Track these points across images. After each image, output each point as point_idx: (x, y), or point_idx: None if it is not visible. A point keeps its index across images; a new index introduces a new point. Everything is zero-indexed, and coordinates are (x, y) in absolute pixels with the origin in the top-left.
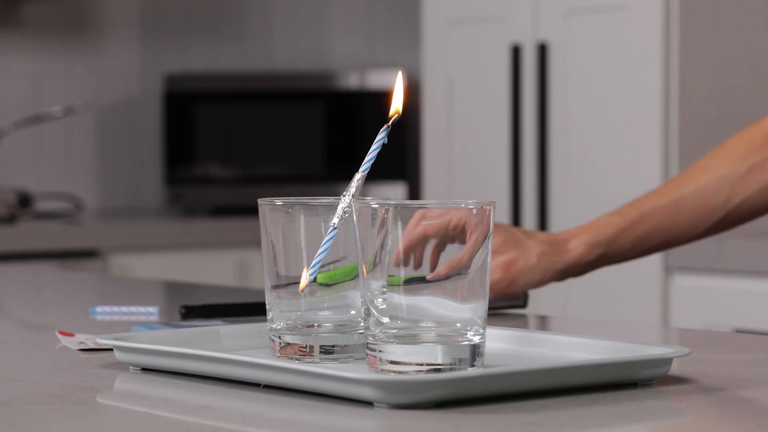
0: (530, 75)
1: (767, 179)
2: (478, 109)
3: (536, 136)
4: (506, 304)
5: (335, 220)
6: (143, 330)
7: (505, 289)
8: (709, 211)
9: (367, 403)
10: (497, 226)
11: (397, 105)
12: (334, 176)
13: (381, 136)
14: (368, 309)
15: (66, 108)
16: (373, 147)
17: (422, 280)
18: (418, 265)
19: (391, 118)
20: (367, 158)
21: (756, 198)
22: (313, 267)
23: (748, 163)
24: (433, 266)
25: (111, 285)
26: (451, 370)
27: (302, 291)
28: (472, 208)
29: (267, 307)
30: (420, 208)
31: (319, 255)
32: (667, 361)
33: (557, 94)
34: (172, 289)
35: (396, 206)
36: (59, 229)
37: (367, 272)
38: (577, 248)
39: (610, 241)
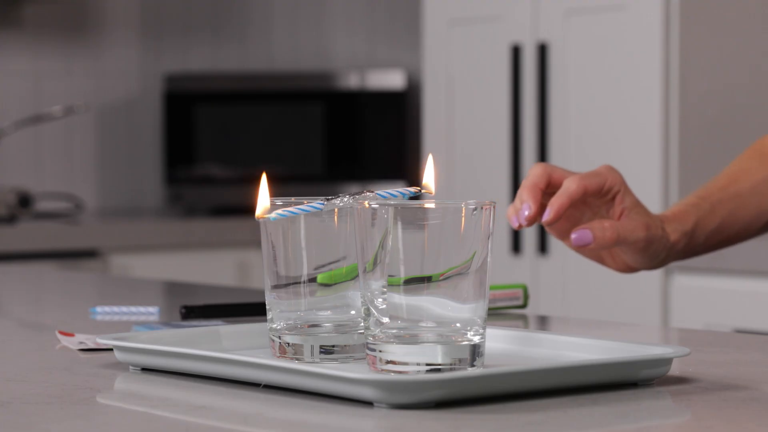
0: (530, 75)
1: None
2: (478, 109)
3: (536, 136)
4: (506, 304)
5: (325, 201)
6: (143, 330)
7: (642, 249)
8: (763, 211)
9: (367, 403)
10: (625, 186)
11: (428, 182)
12: (334, 176)
13: (410, 191)
14: (368, 309)
15: (66, 108)
16: (398, 189)
17: (422, 280)
18: (565, 229)
19: (422, 188)
20: (387, 190)
21: None
22: (282, 213)
23: None
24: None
25: (111, 285)
26: (451, 370)
27: (258, 218)
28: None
29: (267, 307)
30: (420, 207)
31: (293, 209)
32: (667, 361)
33: (557, 94)
34: (172, 289)
35: (396, 206)
36: (59, 229)
37: (367, 272)
38: (673, 233)
39: (692, 233)
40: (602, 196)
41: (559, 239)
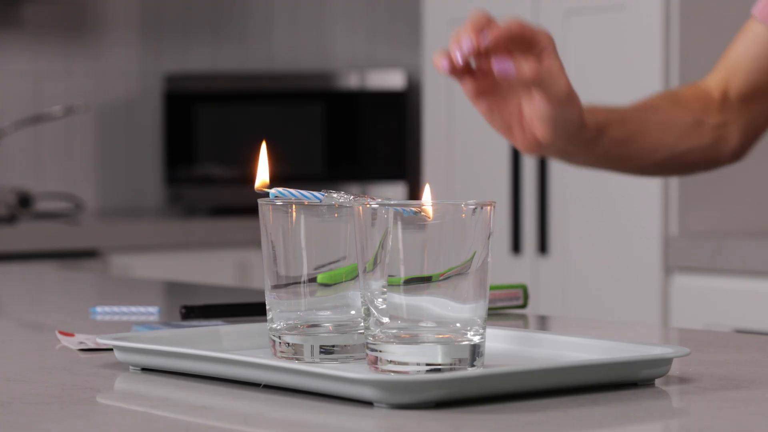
0: None
1: (703, 141)
2: None
3: None
4: (506, 304)
5: (325, 193)
6: (143, 330)
7: (561, 105)
8: (665, 145)
9: (367, 403)
10: (555, 49)
11: (426, 207)
12: (334, 176)
13: (407, 209)
14: (368, 309)
15: (66, 108)
16: (400, 201)
17: (422, 280)
18: (489, 89)
19: (421, 210)
20: (386, 198)
21: (695, 154)
22: (281, 191)
23: (693, 118)
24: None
25: (111, 285)
26: (451, 370)
27: (257, 189)
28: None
29: (267, 307)
30: (420, 207)
31: (292, 190)
32: (667, 361)
33: None
34: (172, 289)
35: (396, 206)
36: (59, 229)
37: (367, 272)
38: (587, 117)
39: (601, 128)
40: (532, 45)
41: (486, 115)
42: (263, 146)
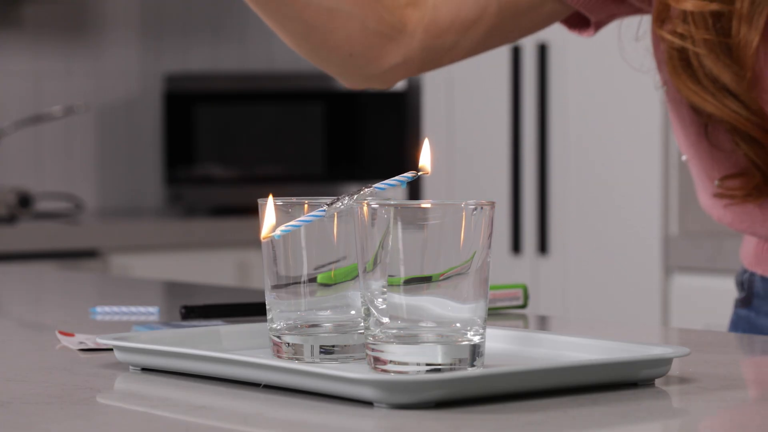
0: (530, 75)
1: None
2: (478, 109)
3: (536, 136)
4: (506, 304)
5: (326, 207)
6: (143, 330)
7: None
8: None
9: (367, 403)
10: None
11: (424, 163)
12: (334, 176)
13: (407, 176)
14: (368, 309)
15: (66, 108)
16: (395, 177)
17: (422, 280)
18: None
19: (420, 171)
20: (384, 181)
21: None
22: (285, 228)
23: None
24: None
25: (111, 285)
26: (451, 370)
27: (263, 239)
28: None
29: (267, 307)
30: (420, 207)
31: (295, 222)
32: (667, 361)
33: (557, 94)
34: (172, 289)
35: (396, 206)
36: (59, 229)
37: (367, 272)
38: None
39: None
40: None
41: None
42: (270, 199)
